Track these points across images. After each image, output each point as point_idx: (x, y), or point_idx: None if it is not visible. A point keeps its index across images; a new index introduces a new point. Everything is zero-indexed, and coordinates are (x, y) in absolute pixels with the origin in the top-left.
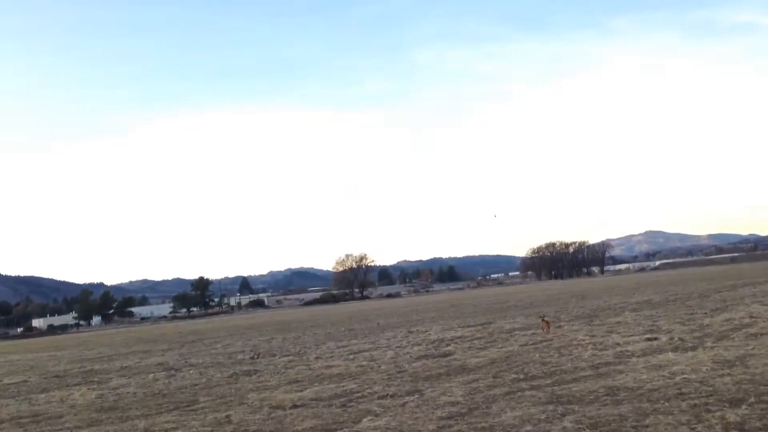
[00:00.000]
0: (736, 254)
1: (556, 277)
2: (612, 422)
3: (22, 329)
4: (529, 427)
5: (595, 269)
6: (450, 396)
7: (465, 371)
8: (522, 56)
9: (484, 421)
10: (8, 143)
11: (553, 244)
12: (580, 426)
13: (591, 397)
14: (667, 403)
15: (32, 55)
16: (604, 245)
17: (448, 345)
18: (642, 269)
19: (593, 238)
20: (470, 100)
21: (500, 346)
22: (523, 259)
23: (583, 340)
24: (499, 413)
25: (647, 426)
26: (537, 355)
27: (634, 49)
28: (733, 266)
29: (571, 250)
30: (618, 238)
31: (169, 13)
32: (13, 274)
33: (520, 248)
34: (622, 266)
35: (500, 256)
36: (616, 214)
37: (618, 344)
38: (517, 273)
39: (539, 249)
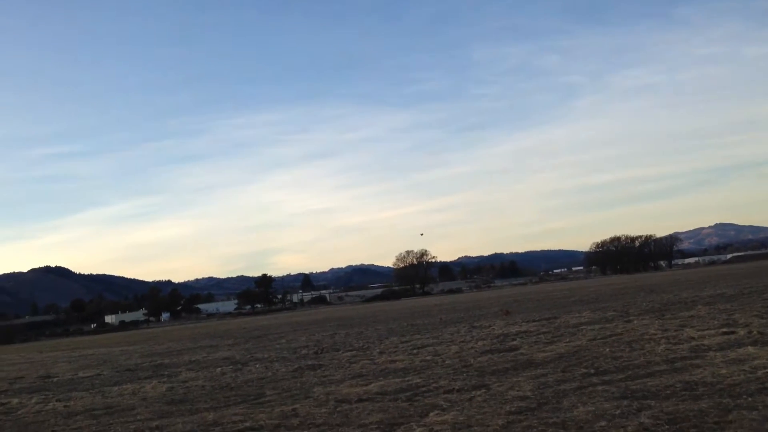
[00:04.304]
0: None
1: (621, 272)
2: (692, 418)
3: (95, 325)
4: (603, 423)
5: (663, 263)
6: (518, 390)
7: (532, 366)
8: (582, 49)
9: (555, 416)
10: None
11: (618, 238)
12: (659, 422)
13: (667, 392)
14: (750, 398)
15: None
16: (672, 239)
17: (513, 340)
18: (712, 262)
19: (660, 232)
20: (530, 95)
21: (567, 340)
22: (587, 254)
23: (655, 334)
24: (570, 408)
25: (731, 422)
26: (607, 350)
27: (700, 39)
28: None
29: (636, 244)
30: (686, 231)
31: (220, 18)
32: (86, 273)
33: (584, 243)
34: (691, 260)
35: (563, 251)
36: (685, 206)
37: (693, 338)
38: (581, 268)
39: (603, 243)
